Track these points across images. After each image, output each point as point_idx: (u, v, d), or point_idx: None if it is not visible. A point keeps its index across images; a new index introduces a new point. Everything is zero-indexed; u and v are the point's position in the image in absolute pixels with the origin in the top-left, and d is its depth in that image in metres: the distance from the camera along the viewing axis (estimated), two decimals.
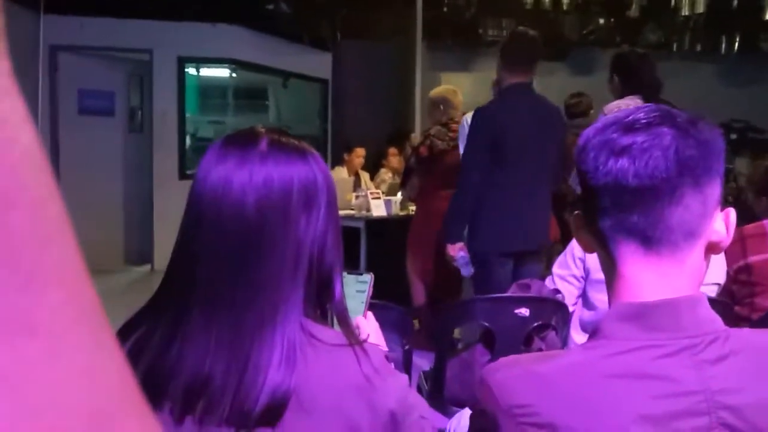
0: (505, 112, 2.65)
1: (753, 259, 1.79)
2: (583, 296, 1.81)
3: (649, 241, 0.73)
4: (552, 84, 5.45)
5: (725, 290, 1.79)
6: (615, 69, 2.92)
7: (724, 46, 8.39)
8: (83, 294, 0.21)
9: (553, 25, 7.49)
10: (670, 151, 0.71)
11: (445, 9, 7.40)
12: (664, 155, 0.71)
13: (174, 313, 0.78)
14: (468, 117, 3.04)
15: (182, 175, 5.86)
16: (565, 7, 7.85)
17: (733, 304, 1.77)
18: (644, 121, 0.73)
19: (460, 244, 2.73)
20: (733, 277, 1.79)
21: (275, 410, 0.75)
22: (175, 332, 0.77)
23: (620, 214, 0.74)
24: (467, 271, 2.82)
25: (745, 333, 0.76)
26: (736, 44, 8.36)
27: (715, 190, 0.74)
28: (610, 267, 0.78)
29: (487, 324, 1.70)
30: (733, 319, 1.62)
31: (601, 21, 8.24)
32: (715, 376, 0.70)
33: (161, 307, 0.81)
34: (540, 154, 2.64)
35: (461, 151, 2.94)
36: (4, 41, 0.20)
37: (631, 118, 0.74)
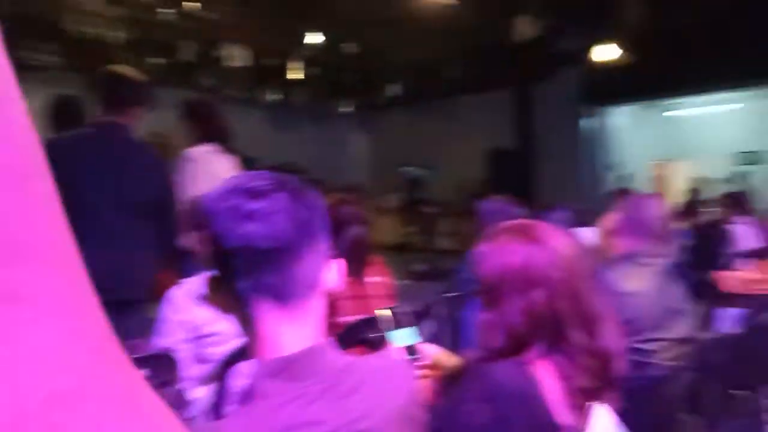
0: (76, 149, 2.39)
1: None
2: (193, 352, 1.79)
3: (281, 296, 0.81)
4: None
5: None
6: (189, 116, 2.99)
7: (267, 95, 9.68)
8: (68, 265, 0.23)
9: (102, 59, 7.24)
10: (289, 215, 0.80)
11: None
12: (285, 218, 0.80)
13: None
14: None
15: None
16: (114, 41, 7.74)
17: None
18: (264, 188, 0.81)
19: None
20: None
21: None
22: None
23: (254, 274, 0.80)
24: None
25: (366, 361, 0.92)
26: (276, 96, 9.75)
27: (324, 245, 0.87)
28: (250, 327, 0.83)
29: None
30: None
31: (156, 60, 8.38)
32: (351, 409, 0.82)
33: None
34: (126, 200, 2.44)
35: None
36: None
37: (252, 185, 0.82)
